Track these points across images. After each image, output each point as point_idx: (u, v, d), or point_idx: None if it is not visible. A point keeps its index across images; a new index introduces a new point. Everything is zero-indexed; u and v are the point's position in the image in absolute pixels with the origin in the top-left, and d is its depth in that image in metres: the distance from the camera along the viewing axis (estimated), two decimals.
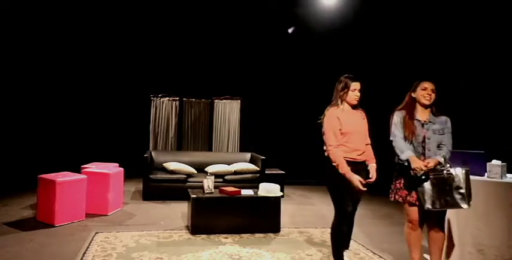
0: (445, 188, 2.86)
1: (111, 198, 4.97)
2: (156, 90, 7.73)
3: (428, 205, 2.89)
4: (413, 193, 3.02)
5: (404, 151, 2.98)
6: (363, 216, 5.41)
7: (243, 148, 7.75)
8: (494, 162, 3.38)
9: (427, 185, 2.90)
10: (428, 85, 3.06)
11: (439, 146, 3.02)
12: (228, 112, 7.88)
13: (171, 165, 5.98)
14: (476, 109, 5.77)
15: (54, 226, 4.30)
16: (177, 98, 7.75)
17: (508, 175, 3.44)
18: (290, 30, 7.98)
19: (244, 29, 7.89)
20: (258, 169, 6.26)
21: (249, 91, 7.97)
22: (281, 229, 4.43)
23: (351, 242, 4.12)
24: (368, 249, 3.93)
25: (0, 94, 7.22)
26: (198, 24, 7.87)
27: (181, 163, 6.07)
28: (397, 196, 3.12)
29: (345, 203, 3.08)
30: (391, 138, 3.11)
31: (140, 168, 5.94)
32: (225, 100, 7.87)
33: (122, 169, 5.40)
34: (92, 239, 3.90)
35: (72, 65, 8.04)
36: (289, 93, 8.50)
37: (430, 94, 3.03)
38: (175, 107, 7.72)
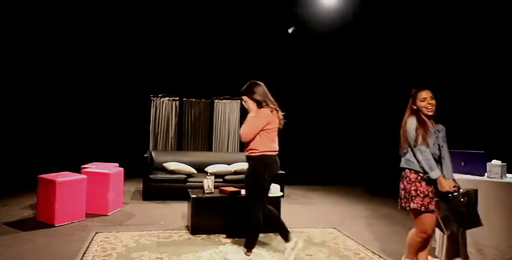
0: (462, 211, 2.81)
1: (111, 198, 4.97)
2: (156, 90, 7.73)
3: (453, 228, 2.84)
4: (433, 201, 2.89)
5: (434, 169, 2.82)
6: (363, 216, 5.42)
7: (243, 148, 7.74)
8: (494, 162, 3.39)
9: (448, 209, 2.82)
10: (426, 94, 2.95)
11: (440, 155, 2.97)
12: (228, 112, 7.88)
13: (171, 165, 5.98)
14: (476, 109, 5.77)
15: (54, 226, 4.30)
16: (177, 98, 7.75)
17: (508, 175, 3.45)
18: (290, 30, 7.98)
19: (244, 29, 7.89)
20: None
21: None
22: None
23: (351, 242, 4.13)
24: (368, 249, 3.93)
25: (0, 95, 7.23)
26: (198, 24, 7.88)
27: (181, 163, 6.07)
28: (413, 205, 2.88)
29: None
30: (418, 147, 2.87)
31: (140, 168, 5.94)
32: (225, 100, 7.87)
33: (122, 169, 5.40)
34: (92, 239, 3.90)
35: (72, 65, 8.05)
36: (289, 93, 8.50)
37: (430, 104, 2.93)
38: (175, 107, 7.72)
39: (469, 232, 3.32)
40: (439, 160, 2.96)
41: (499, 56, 5.60)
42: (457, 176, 3.33)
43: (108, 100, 8.26)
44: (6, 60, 7.16)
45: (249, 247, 3.46)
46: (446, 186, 2.82)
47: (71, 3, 7.14)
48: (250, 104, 3.44)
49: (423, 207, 2.87)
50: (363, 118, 8.49)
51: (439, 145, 2.96)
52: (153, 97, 7.65)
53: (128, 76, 8.21)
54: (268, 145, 3.40)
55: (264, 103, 3.41)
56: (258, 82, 3.49)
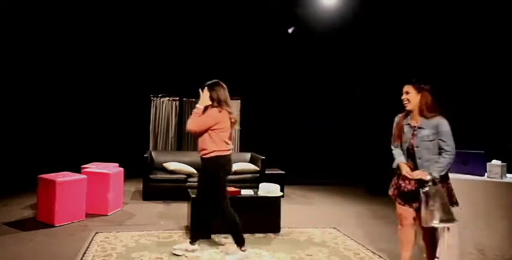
0: (431, 205, 2.76)
1: (111, 198, 4.97)
2: (156, 90, 7.73)
3: (423, 224, 2.85)
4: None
5: (396, 158, 3.05)
6: (363, 216, 5.42)
7: (243, 148, 7.75)
8: (494, 162, 3.38)
9: (419, 201, 2.86)
10: (403, 89, 3.01)
11: (440, 153, 2.87)
12: None
13: (171, 165, 5.98)
14: (476, 109, 5.77)
15: (54, 226, 4.30)
16: (177, 98, 7.74)
17: (508, 175, 3.44)
18: (290, 30, 7.98)
19: (244, 29, 7.89)
20: (258, 169, 6.26)
21: (249, 91, 7.97)
22: (281, 229, 4.42)
23: (351, 242, 4.14)
24: (368, 249, 3.93)
25: (0, 95, 7.22)
26: (198, 24, 7.87)
27: (181, 163, 6.07)
28: (389, 192, 3.17)
29: None
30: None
31: (140, 168, 5.94)
32: None
33: (122, 169, 5.40)
34: (92, 239, 3.90)
35: (72, 65, 8.04)
36: (289, 93, 8.51)
37: (403, 99, 2.99)
38: (175, 107, 7.72)
39: (469, 232, 3.32)
40: (412, 158, 2.96)
41: (499, 56, 5.60)
42: (457, 176, 3.34)
43: (108, 100, 8.25)
44: (6, 60, 7.15)
45: (240, 243, 3.54)
46: (403, 170, 2.94)
47: (71, 3, 7.13)
48: (205, 96, 3.52)
49: (393, 196, 3.13)
50: (363, 118, 8.49)
51: (412, 144, 2.94)
52: (153, 97, 7.65)
53: (128, 76, 8.20)
54: (220, 144, 3.47)
55: (217, 103, 3.49)
56: (222, 83, 3.58)
